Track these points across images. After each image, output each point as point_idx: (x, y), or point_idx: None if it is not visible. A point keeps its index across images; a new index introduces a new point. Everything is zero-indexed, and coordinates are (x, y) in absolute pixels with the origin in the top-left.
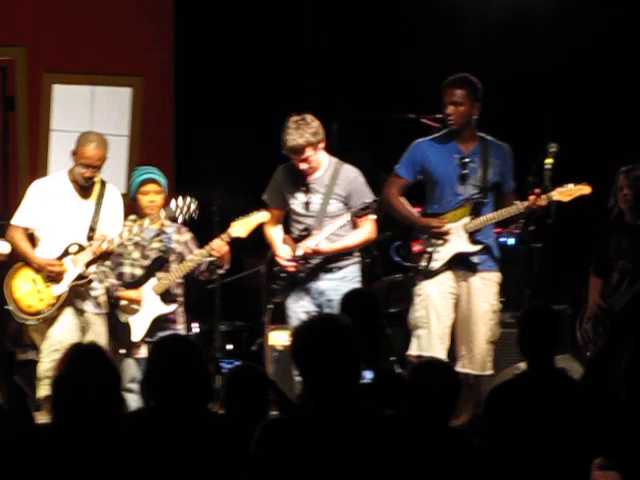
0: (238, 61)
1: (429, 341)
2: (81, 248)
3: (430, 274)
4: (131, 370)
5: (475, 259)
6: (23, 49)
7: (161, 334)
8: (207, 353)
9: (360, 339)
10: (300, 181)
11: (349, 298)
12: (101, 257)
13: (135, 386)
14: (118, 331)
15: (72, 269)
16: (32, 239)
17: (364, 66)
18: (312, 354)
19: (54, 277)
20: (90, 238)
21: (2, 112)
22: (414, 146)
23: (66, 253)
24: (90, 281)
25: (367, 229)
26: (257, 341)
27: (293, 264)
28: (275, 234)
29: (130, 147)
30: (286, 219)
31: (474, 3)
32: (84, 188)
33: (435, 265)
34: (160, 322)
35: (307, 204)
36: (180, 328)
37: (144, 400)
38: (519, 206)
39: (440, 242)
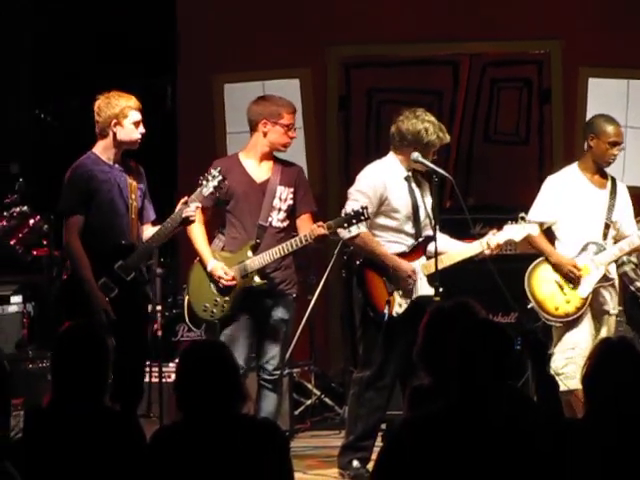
0: None
1: None
2: (600, 248)
3: None
4: None
5: None
6: (559, 42)
7: None
8: None
9: None
10: None
11: None
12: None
13: None
14: None
15: (594, 270)
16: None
17: None
18: None
19: (572, 279)
20: (605, 235)
21: (538, 105)
22: None
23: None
24: (613, 283)
25: None
26: None
27: None
28: None
29: None
30: None
31: None
32: (600, 175)
33: None
34: None
35: None
36: None
37: None
38: None
39: None
